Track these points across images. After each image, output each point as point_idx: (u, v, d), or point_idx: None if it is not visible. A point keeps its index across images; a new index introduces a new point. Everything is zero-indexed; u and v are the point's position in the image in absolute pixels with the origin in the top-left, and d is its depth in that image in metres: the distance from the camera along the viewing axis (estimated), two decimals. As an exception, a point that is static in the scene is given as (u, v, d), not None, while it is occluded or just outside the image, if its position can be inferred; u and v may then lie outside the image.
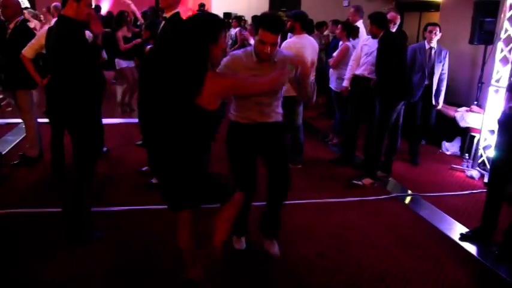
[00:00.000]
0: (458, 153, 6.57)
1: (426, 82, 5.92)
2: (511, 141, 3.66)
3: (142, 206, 4.29)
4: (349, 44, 6.25)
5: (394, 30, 5.59)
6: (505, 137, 3.72)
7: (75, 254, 3.43)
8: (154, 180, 4.78)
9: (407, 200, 4.88)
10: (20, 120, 5.43)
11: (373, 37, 5.06)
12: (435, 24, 5.97)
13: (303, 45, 5.19)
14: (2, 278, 3.14)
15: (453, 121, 6.33)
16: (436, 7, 9.04)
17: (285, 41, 5.38)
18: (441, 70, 5.94)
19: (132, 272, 3.25)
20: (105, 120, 5.70)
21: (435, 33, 5.83)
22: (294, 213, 4.30)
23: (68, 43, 3.33)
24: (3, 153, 5.61)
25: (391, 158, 5.48)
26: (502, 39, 5.61)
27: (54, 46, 3.44)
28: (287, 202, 4.54)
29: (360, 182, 5.09)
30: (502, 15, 5.64)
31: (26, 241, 3.61)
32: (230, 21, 12.59)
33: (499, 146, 3.83)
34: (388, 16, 5.31)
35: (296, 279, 3.24)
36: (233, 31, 11.31)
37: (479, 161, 5.87)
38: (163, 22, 4.45)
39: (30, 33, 5.04)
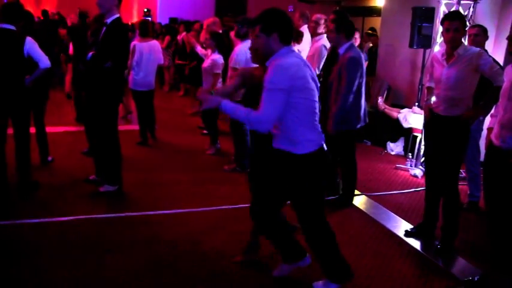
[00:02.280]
0: (402, 153, 6.83)
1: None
2: (433, 141, 3.94)
3: (90, 215, 4.19)
4: (294, 49, 6.37)
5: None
6: (427, 138, 4.03)
7: (22, 266, 3.31)
8: (102, 189, 4.69)
9: (356, 200, 5.00)
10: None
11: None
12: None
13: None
14: None
15: (397, 122, 6.57)
16: (378, 12, 9.39)
17: (239, 47, 5.41)
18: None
19: (80, 281, 3.17)
20: (49, 129, 5.62)
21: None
22: (243, 218, 4.31)
23: None
24: None
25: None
26: (438, 43, 5.90)
27: None
28: (236, 206, 4.60)
29: None
30: (438, 21, 5.93)
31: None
32: (177, 26, 12.51)
33: (425, 147, 4.08)
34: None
35: (252, 277, 3.26)
36: (180, 37, 11.25)
37: (422, 159, 6.12)
38: (104, 28, 4.37)
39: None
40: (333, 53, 4.68)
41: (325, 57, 5.22)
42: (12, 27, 4.39)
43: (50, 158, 5.57)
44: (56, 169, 5.44)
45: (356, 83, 4.41)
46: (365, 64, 5.22)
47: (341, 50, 4.49)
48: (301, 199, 2.94)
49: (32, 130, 4.85)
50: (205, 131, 7.15)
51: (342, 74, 4.39)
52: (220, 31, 6.91)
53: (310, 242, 3.10)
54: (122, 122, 4.58)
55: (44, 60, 4.42)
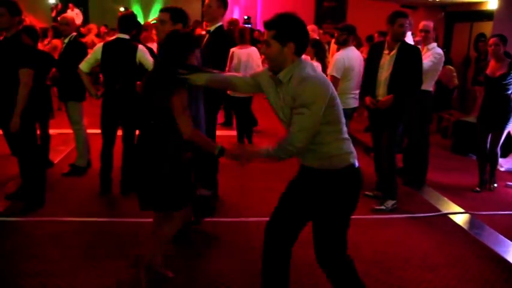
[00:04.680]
0: (514, 169, 6.29)
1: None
2: None
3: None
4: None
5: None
6: None
7: (117, 263, 3.47)
8: (198, 193, 4.80)
9: (459, 218, 4.67)
10: (70, 131, 5.61)
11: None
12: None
13: (351, 57, 5.20)
14: (45, 284, 3.22)
15: (508, 135, 6.04)
16: (489, 16, 8.75)
17: (339, 55, 5.32)
18: None
19: (170, 282, 3.25)
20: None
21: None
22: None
23: None
24: (55, 162, 5.80)
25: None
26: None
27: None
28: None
29: (382, 207, 4.76)
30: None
31: (72, 249, 3.70)
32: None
33: None
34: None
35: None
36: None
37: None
38: (207, 35, 4.50)
39: (84, 48, 5.26)
40: None
41: None
42: (127, 37, 4.70)
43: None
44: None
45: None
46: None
47: None
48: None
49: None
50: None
51: None
52: (318, 38, 6.85)
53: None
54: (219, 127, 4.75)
55: None
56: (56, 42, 7.62)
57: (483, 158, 5.55)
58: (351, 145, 2.60)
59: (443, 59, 5.41)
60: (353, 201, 2.58)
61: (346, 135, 2.59)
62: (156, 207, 3.11)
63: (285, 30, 2.43)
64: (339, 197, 2.54)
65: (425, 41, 5.37)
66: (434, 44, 5.42)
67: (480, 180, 5.53)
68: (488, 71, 5.36)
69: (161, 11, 3.81)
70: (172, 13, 3.69)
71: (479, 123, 5.55)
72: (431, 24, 5.45)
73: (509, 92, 5.23)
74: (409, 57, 4.59)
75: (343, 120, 2.58)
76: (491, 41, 5.24)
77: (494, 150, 5.46)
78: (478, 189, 5.50)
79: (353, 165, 2.55)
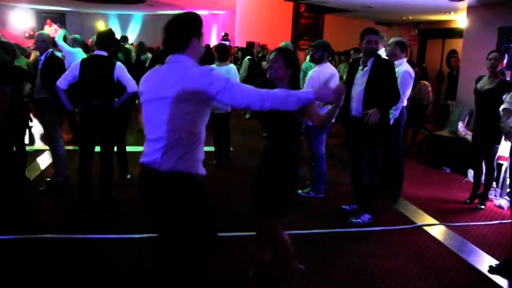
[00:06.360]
0: (485, 181, 6.42)
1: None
2: None
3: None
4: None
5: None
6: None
7: (96, 279, 3.45)
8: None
9: (433, 230, 4.76)
10: (47, 147, 5.56)
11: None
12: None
13: (326, 74, 5.26)
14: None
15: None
16: (459, 34, 9.04)
17: (312, 70, 5.42)
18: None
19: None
20: (129, 148, 5.89)
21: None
22: (317, 242, 4.25)
23: None
24: (31, 179, 5.73)
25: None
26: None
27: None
28: (309, 232, 4.52)
29: (359, 220, 4.79)
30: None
31: (50, 266, 3.65)
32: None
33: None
34: None
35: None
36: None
37: (508, 189, 5.72)
38: None
39: (61, 64, 5.24)
40: None
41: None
42: (105, 53, 4.71)
43: (128, 176, 5.81)
44: (133, 187, 5.63)
45: None
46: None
47: None
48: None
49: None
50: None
51: None
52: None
53: None
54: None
55: (132, 85, 4.67)
56: None
57: (479, 173, 5.65)
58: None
59: (405, 76, 5.29)
60: None
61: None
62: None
63: None
64: None
65: (391, 58, 5.27)
66: (400, 61, 5.41)
67: (472, 193, 5.65)
68: (479, 85, 5.39)
69: None
70: None
71: (473, 139, 5.60)
72: (392, 39, 5.51)
73: (497, 109, 5.02)
74: (382, 71, 4.59)
75: None
76: (492, 55, 5.22)
77: (491, 165, 5.49)
78: (468, 201, 5.62)
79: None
